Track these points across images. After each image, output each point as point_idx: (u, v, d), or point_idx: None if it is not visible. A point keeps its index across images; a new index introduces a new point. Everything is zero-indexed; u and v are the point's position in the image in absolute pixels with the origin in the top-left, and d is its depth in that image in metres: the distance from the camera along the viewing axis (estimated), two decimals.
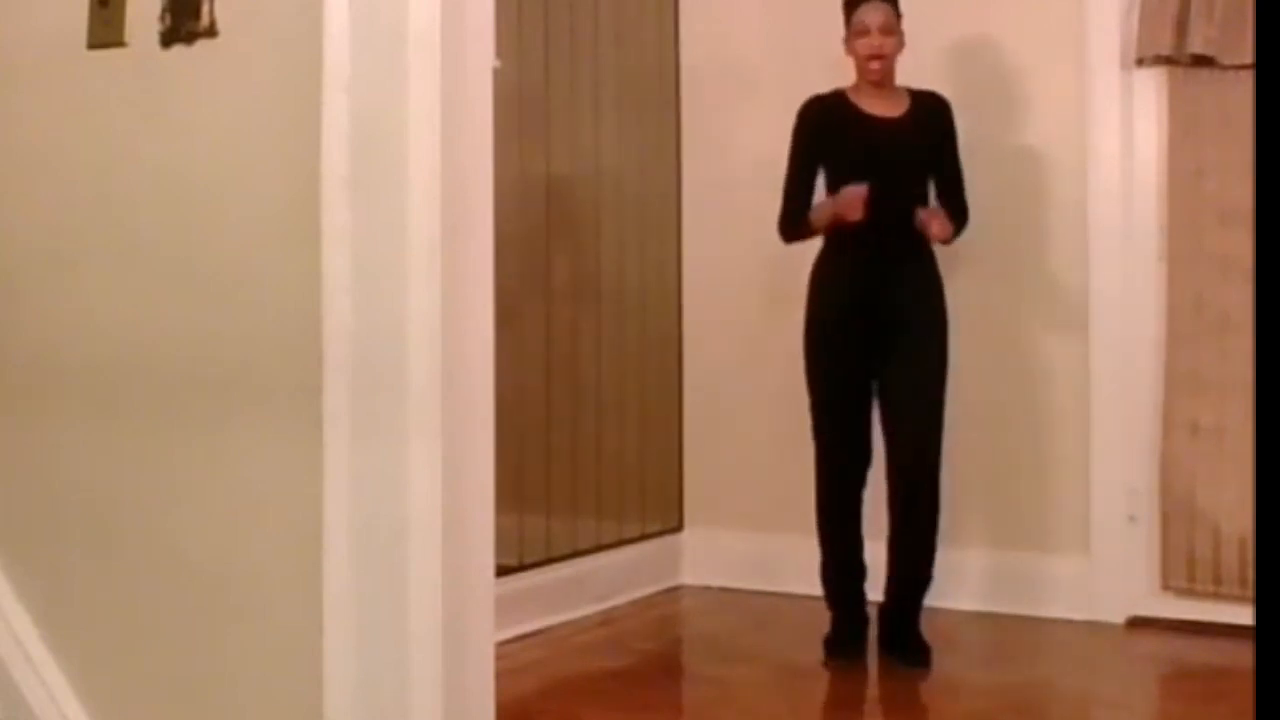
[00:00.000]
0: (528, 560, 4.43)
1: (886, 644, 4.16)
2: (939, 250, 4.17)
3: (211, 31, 2.41)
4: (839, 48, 4.21)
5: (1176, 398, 4.54)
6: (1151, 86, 4.62)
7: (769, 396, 4.98)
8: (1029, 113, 4.75)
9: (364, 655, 2.27)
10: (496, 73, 2.47)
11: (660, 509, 5.15)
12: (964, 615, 4.58)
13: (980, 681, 4.01)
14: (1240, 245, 4.36)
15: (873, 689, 4.10)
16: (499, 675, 2.46)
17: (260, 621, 2.38)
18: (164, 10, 2.44)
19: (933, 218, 4.06)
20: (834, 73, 4.25)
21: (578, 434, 4.77)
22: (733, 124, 5.14)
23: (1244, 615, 4.15)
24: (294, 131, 2.33)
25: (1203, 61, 4.47)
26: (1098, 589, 4.59)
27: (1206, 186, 4.52)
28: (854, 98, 4.18)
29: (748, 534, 5.06)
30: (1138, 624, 4.55)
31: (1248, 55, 4.34)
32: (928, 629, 4.15)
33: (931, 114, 4.21)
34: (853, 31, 4.15)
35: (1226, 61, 4.41)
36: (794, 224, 4.18)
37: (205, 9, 2.41)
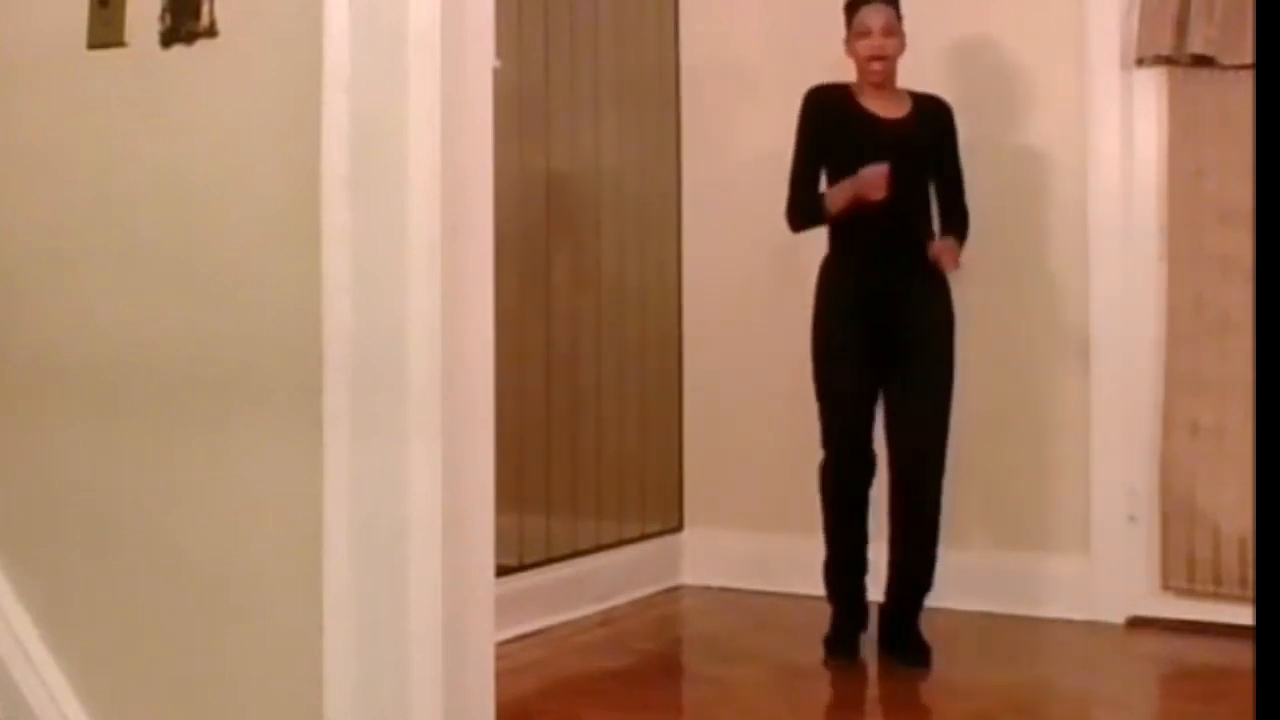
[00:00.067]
0: (528, 560, 4.43)
1: (887, 644, 4.17)
2: None
3: (211, 31, 2.41)
4: (839, 48, 4.21)
5: (1176, 398, 4.54)
6: (1151, 86, 4.62)
7: (769, 396, 4.98)
8: (1029, 113, 4.75)
9: (364, 655, 2.27)
10: (496, 73, 2.47)
11: (660, 509, 5.15)
12: (964, 615, 4.57)
13: (980, 681, 4.01)
14: (1240, 245, 4.35)
15: (873, 689, 4.10)
16: (499, 675, 2.46)
17: (260, 621, 2.38)
18: (164, 10, 2.44)
19: (944, 252, 4.07)
20: (834, 73, 4.24)
21: (578, 434, 4.77)
22: (733, 124, 5.14)
23: (1244, 615, 4.15)
24: (294, 131, 2.33)
25: (1203, 61, 4.47)
26: (1098, 589, 4.59)
27: (1206, 186, 4.52)
28: (858, 95, 4.18)
29: (748, 534, 5.06)
30: (1138, 624, 4.55)
31: (1248, 55, 4.34)
32: (928, 629, 4.16)
33: (933, 117, 4.21)
34: (854, 33, 4.15)
35: (1226, 61, 4.41)
36: (804, 210, 4.16)
37: (205, 9, 2.41)
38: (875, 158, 4.01)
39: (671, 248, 5.23)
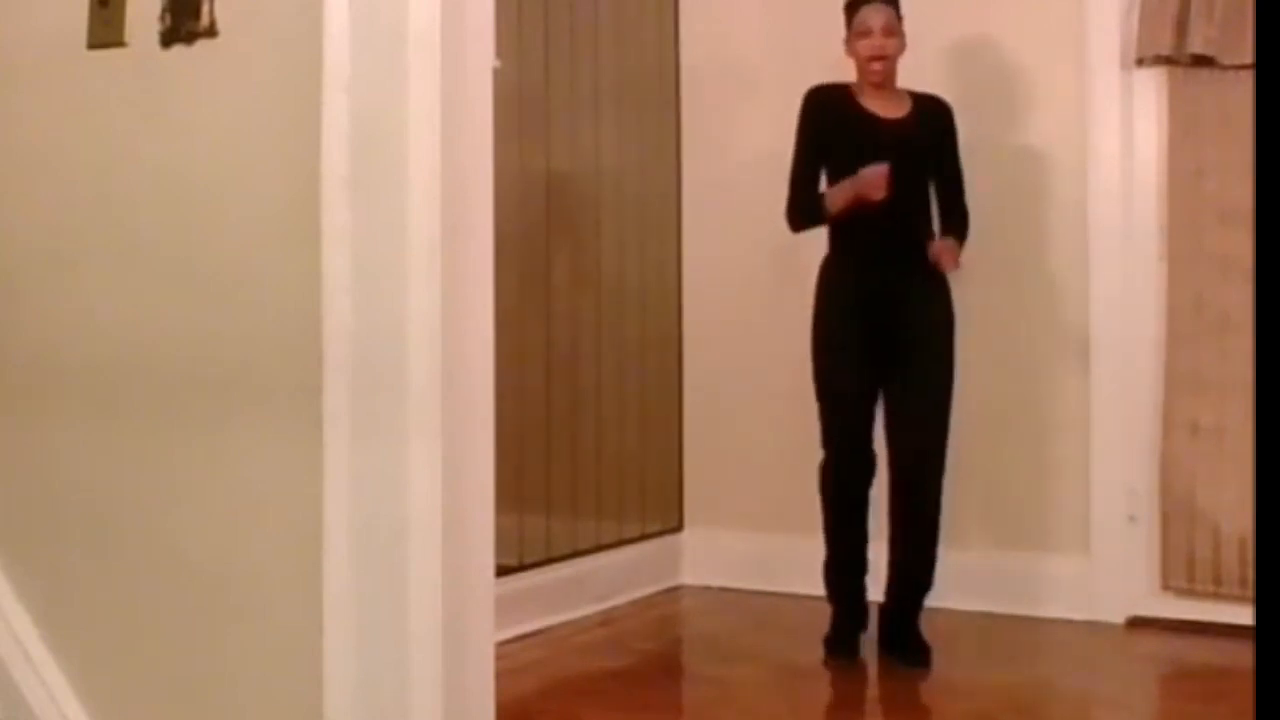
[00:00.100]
0: (528, 560, 4.43)
1: (887, 644, 4.17)
2: None
3: (211, 31, 2.41)
4: (839, 48, 4.21)
5: (1176, 398, 4.54)
6: (1151, 86, 4.62)
7: (769, 396, 4.98)
8: (1029, 113, 4.75)
9: (364, 655, 2.27)
10: (496, 73, 2.47)
11: (660, 509, 5.15)
12: (964, 615, 4.57)
13: (980, 681, 4.01)
14: (1240, 245, 4.35)
15: (873, 689, 4.10)
16: (499, 675, 2.46)
17: (260, 621, 2.38)
18: (164, 10, 2.44)
19: (945, 252, 4.07)
20: (834, 73, 4.24)
21: (578, 434, 4.77)
22: (733, 124, 5.14)
23: (1244, 615, 4.15)
24: (294, 131, 2.33)
25: (1203, 61, 4.47)
26: (1098, 589, 4.59)
27: (1206, 186, 4.52)
28: (858, 95, 4.18)
29: (748, 534, 5.06)
30: (1138, 624, 4.55)
31: (1248, 55, 4.34)
32: (928, 629, 4.16)
33: (934, 117, 4.22)
34: (854, 33, 4.15)
35: (1226, 61, 4.41)
36: (804, 210, 4.16)
37: (205, 9, 2.41)
38: (875, 158, 4.00)
39: (671, 248, 5.23)
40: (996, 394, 4.69)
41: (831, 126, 4.17)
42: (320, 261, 2.30)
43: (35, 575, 2.58)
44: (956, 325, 4.17)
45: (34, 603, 2.57)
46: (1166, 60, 4.53)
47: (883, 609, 4.20)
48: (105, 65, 2.50)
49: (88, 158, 2.54)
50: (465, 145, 2.33)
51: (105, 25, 2.49)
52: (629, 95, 5.05)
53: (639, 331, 5.08)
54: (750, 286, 5.07)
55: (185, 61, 2.43)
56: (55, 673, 2.54)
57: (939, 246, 4.10)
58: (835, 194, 4.09)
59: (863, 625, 4.23)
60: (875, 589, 4.22)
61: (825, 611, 4.24)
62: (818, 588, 4.28)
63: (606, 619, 4.67)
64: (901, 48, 4.16)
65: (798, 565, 4.53)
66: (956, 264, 4.09)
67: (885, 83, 4.16)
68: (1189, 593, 4.51)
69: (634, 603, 4.86)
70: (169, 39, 2.44)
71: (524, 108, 4.47)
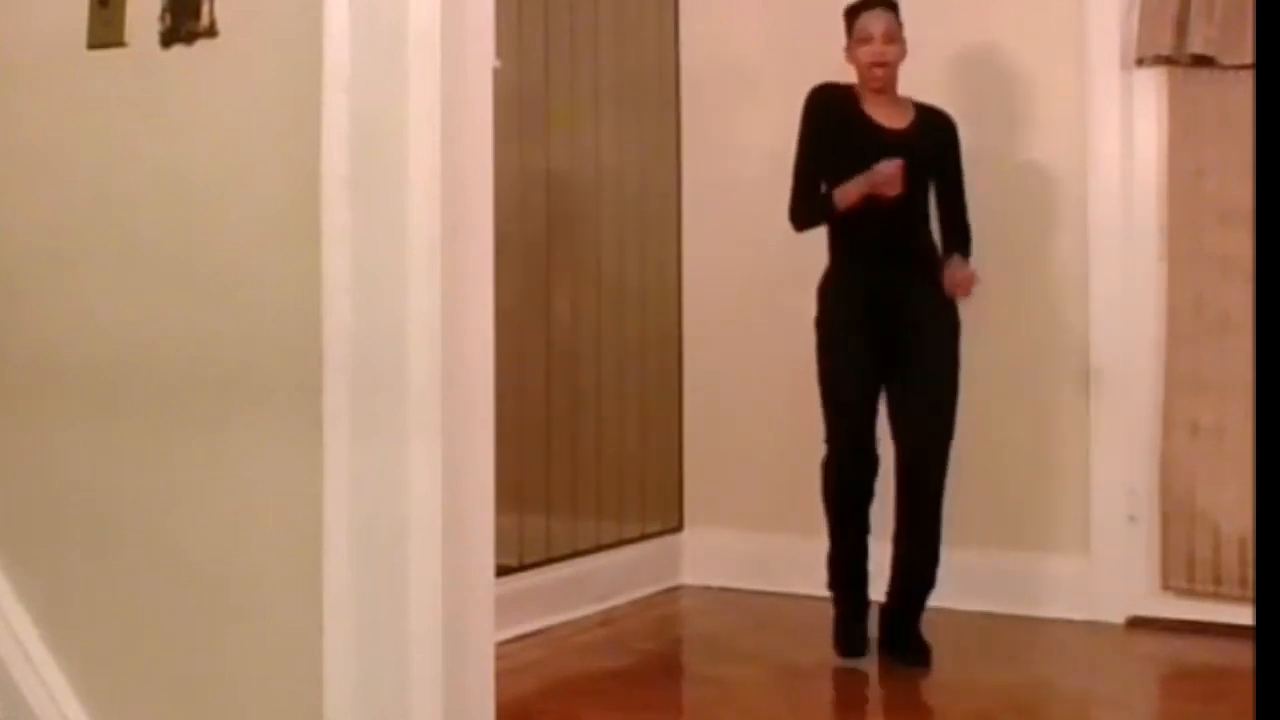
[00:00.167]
0: (528, 560, 4.43)
1: (887, 644, 4.16)
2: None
3: (211, 31, 2.41)
4: (839, 48, 4.21)
5: (1176, 398, 4.54)
6: (1151, 86, 4.62)
7: (769, 396, 4.99)
8: (1029, 113, 4.75)
9: (364, 655, 2.27)
10: (496, 73, 2.47)
11: (660, 509, 5.15)
12: (964, 615, 4.57)
13: (980, 681, 4.01)
14: (1240, 245, 4.35)
15: (873, 689, 4.10)
16: (499, 675, 2.46)
17: (260, 621, 2.38)
18: (164, 10, 2.44)
19: (962, 282, 4.04)
20: (834, 74, 4.24)
21: (578, 434, 4.77)
22: (733, 124, 5.14)
23: (1244, 615, 4.14)
24: (294, 131, 2.33)
25: (1203, 61, 4.47)
26: (1098, 589, 4.59)
27: (1206, 186, 4.52)
28: (861, 100, 4.18)
29: (748, 534, 5.06)
30: (1138, 624, 4.55)
31: (1248, 55, 4.34)
32: (928, 629, 4.15)
33: (937, 130, 4.21)
34: (855, 39, 4.15)
35: (1226, 61, 4.41)
36: (808, 208, 4.15)
37: (205, 9, 2.41)
38: (878, 163, 4.00)
39: (671, 248, 5.23)
40: (997, 394, 4.69)
41: (835, 127, 4.16)
42: (320, 261, 2.30)
43: (35, 575, 2.58)
44: (961, 326, 4.16)
45: (34, 603, 2.57)
46: (1166, 60, 4.53)
47: (883, 609, 4.20)
48: (105, 65, 2.50)
49: (88, 158, 2.54)
50: (465, 145, 2.33)
51: (105, 25, 2.49)
52: (629, 95, 5.05)
53: (639, 331, 5.07)
54: (750, 286, 5.07)
55: (185, 61, 2.43)
56: (55, 673, 2.54)
57: (955, 275, 4.06)
58: (846, 190, 4.06)
59: (865, 615, 4.21)
60: (877, 590, 4.22)
61: (825, 612, 4.24)
62: (818, 588, 4.28)
63: (606, 619, 4.67)
64: (902, 54, 4.16)
65: (798, 565, 4.53)
66: (969, 292, 4.07)
67: (886, 89, 4.16)
68: (1189, 593, 4.51)
69: (634, 603, 4.86)
70: (169, 39, 2.44)
71: (524, 108, 4.46)
